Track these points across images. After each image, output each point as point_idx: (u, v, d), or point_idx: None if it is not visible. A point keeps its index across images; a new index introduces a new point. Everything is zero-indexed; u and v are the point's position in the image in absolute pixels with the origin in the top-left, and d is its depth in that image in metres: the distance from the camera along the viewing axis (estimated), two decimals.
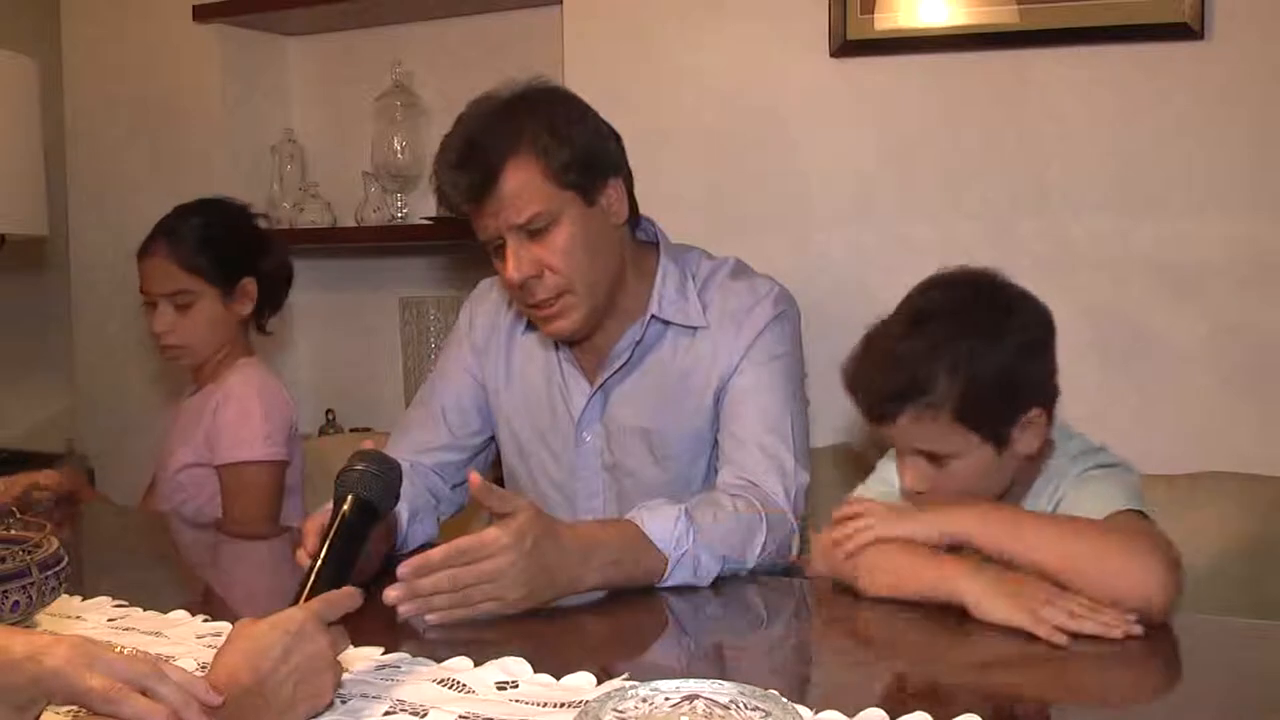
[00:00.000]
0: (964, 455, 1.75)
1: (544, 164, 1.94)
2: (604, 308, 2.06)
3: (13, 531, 1.54)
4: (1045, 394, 1.79)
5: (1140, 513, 1.68)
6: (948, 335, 1.74)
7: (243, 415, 2.64)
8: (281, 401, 2.69)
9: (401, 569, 1.59)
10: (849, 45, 2.64)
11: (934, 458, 1.77)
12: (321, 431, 3.55)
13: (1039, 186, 2.52)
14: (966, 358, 1.73)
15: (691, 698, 1.18)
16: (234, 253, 2.72)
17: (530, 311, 2.07)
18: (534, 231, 1.96)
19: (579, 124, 2.01)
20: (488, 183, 1.93)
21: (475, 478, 1.63)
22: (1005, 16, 2.50)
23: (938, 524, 1.67)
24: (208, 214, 2.74)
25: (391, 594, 1.58)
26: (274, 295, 2.80)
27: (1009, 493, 1.81)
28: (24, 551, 1.46)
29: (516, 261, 1.97)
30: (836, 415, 2.43)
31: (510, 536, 1.61)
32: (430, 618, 1.58)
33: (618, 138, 2.08)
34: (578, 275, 1.99)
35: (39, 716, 1.10)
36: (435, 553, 1.59)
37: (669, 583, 1.76)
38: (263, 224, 2.88)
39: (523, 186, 1.94)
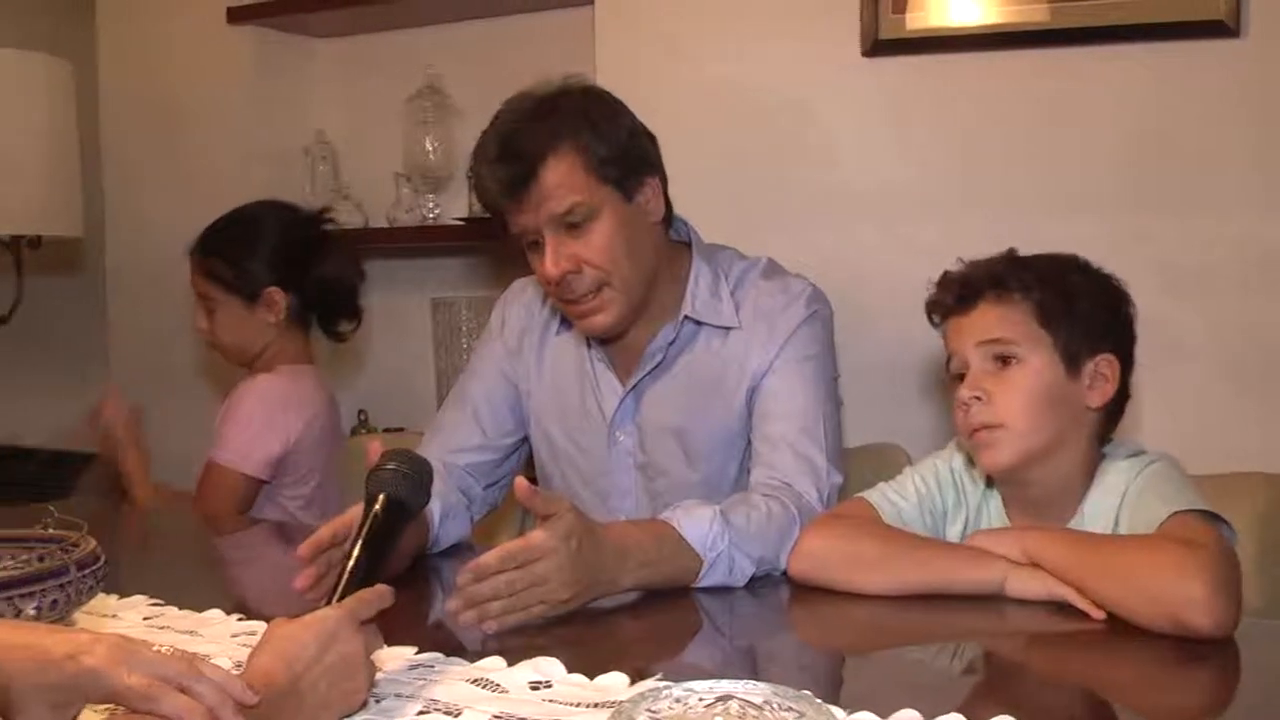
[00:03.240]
0: (1031, 362, 1.73)
1: (584, 158, 1.95)
2: (640, 305, 2.06)
3: (50, 530, 1.55)
4: (1124, 353, 1.79)
5: (1203, 512, 1.63)
6: (1038, 260, 1.81)
7: (240, 422, 2.70)
8: (287, 422, 2.71)
9: (460, 578, 1.57)
10: (881, 45, 2.63)
11: (999, 357, 1.75)
12: (354, 432, 3.55)
13: (1072, 186, 2.51)
14: (1055, 273, 1.77)
15: (725, 698, 1.18)
16: (256, 263, 2.75)
17: (567, 308, 2.07)
18: (573, 226, 1.96)
19: (617, 121, 2.03)
20: (528, 176, 1.94)
21: (521, 483, 1.62)
22: (1037, 15, 2.49)
23: (1020, 542, 1.67)
24: (246, 223, 2.78)
25: (452, 604, 1.57)
26: (331, 303, 2.83)
27: (1065, 497, 1.78)
28: (62, 550, 1.47)
29: (555, 256, 1.97)
30: (869, 414, 2.43)
31: (557, 538, 1.60)
32: (487, 626, 1.56)
33: (653, 138, 2.08)
34: (615, 270, 2.00)
35: (78, 714, 1.11)
36: (489, 557, 1.57)
37: (703, 583, 1.76)
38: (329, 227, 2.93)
39: (563, 179, 1.94)
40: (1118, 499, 1.74)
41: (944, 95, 2.60)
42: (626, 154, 2.01)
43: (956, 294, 1.82)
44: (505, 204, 1.98)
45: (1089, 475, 1.79)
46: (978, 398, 1.75)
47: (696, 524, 1.77)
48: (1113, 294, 1.81)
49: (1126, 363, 1.80)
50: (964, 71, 2.57)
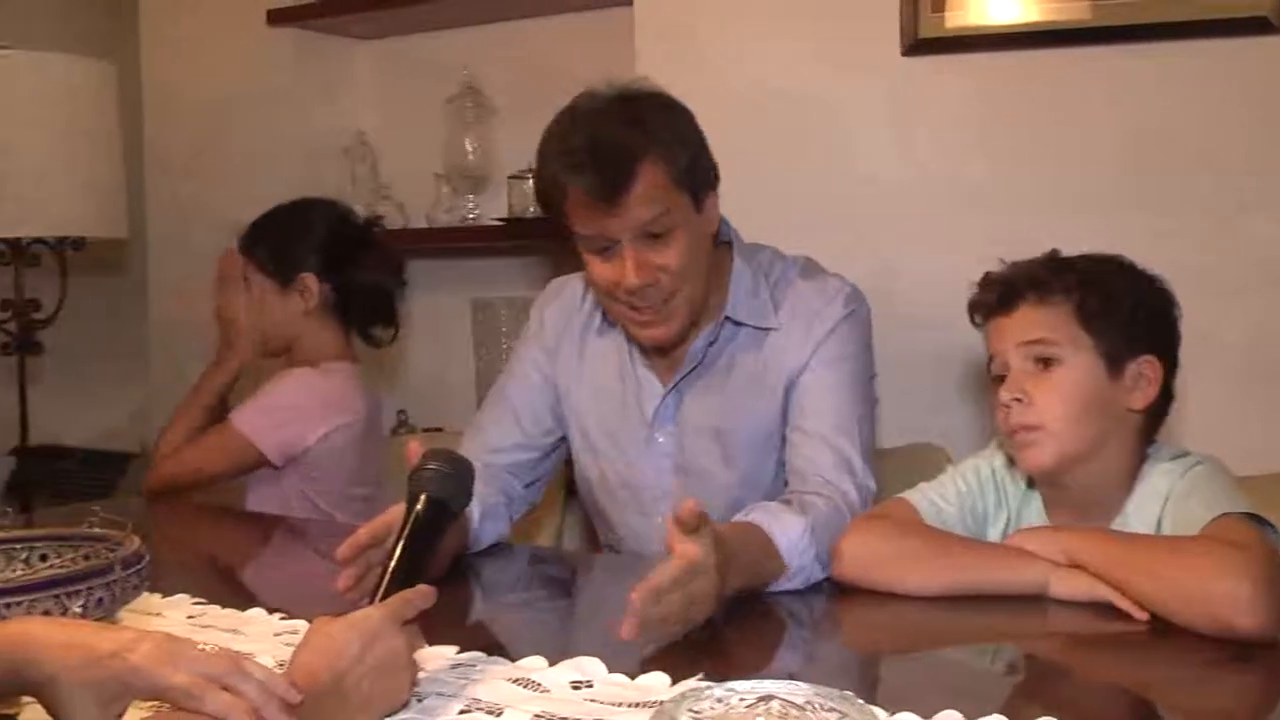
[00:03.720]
0: (1072, 363, 1.73)
1: (670, 167, 1.94)
2: (698, 315, 2.07)
3: (95, 529, 1.57)
4: (1167, 354, 1.78)
5: (1248, 514, 1.62)
6: (1081, 260, 1.80)
7: (273, 401, 2.70)
8: (321, 420, 2.71)
9: (634, 598, 1.47)
10: (920, 44, 2.62)
11: (1040, 358, 1.74)
12: (393, 431, 3.57)
13: (1113, 186, 2.49)
14: (1097, 274, 1.77)
15: (767, 698, 1.18)
16: (297, 248, 2.77)
17: (630, 315, 2.04)
18: (654, 236, 1.95)
19: (694, 132, 2.03)
20: (622, 181, 1.91)
21: (691, 504, 1.56)
22: (1078, 13, 2.47)
23: (1060, 542, 1.66)
24: (293, 210, 2.81)
25: (627, 631, 1.45)
26: (368, 305, 2.84)
27: (1107, 498, 1.77)
28: (107, 549, 1.49)
29: (637, 265, 1.96)
30: (907, 414, 2.42)
31: (712, 555, 1.56)
32: (646, 650, 1.49)
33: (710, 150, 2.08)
34: (687, 281, 2.00)
35: (124, 711, 1.12)
36: (662, 579, 1.50)
37: (776, 589, 1.76)
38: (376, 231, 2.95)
39: (653, 186, 1.93)
40: (1161, 501, 1.73)
41: (984, 94, 2.59)
42: (699, 164, 2.01)
43: (998, 295, 1.81)
44: (589, 208, 1.94)
45: (1132, 477, 1.78)
46: (1018, 399, 1.74)
47: (787, 532, 1.77)
48: (1156, 295, 1.80)
49: (1170, 364, 1.79)
50: (1004, 70, 2.56)
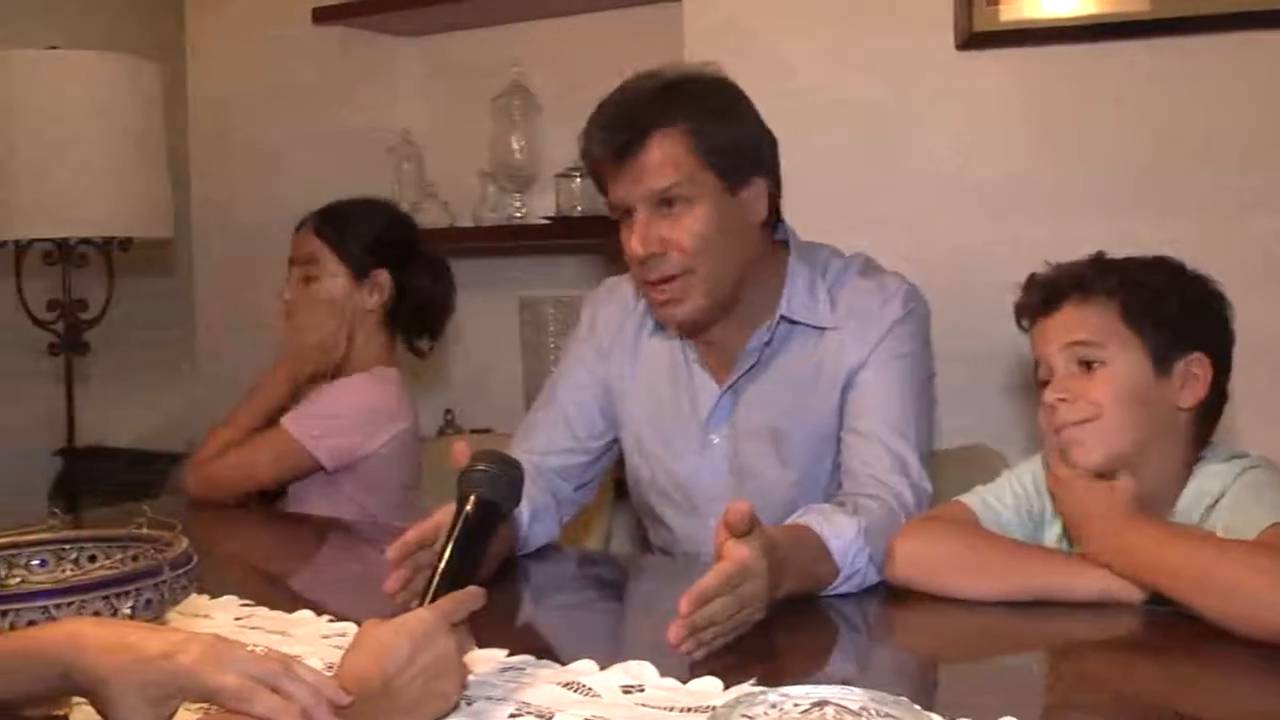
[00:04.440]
0: (1117, 362, 1.72)
1: (693, 140, 1.96)
2: (724, 302, 2.05)
3: (144, 530, 1.58)
4: (1218, 353, 1.77)
5: None
6: (1126, 261, 1.81)
7: (328, 407, 2.70)
8: (374, 430, 2.71)
9: (684, 604, 1.47)
10: (975, 38, 2.60)
11: (1084, 361, 1.74)
12: (440, 432, 3.59)
13: (1174, 183, 2.46)
14: (1141, 273, 1.77)
15: (821, 704, 1.18)
16: (376, 244, 2.77)
17: (648, 289, 2.06)
18: (668, 206, 1.97)
19: (738, 115, 2.04)
20: (634, 143, 1.95)
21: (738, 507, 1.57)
22: (1137, 4, 2.44)
23: (1114, 540, 1.66)
24: (370, 205, 2.83)
25: (674, 634, 1.46)
26: (421, 316, 2.85)
27: (1159, 499, 1.75)
28: (155, 550, 1.50)
29: (643, 236, 1.98)
30: (963, 415, 2.41)
31: (763, 558, 1.56)
32: (698, 654, 1.49)
33: (774, 144, 2.08)
34: (702, 260, 1.99)
35: (174, 712, 1.13)
36: (710, 582, 1.50)
37: (830, 593, 1.76)
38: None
39: (667, 156, 1.95)
40: (1209, 502, 1.72)
41: (1040, 89, 2.57)
42: (739, 147, 2.01)
43: (1041, 296, 1.82)
44: (607, 171, 2.00)
45: (1184, 478, 1.77)
46: (1063, 399, 1.75)
47: (842, 537, 1.76)
48: (1205, 294, 1.80)
49: (1221, 363, 1.78)
50: (1061, 64, 2.54)
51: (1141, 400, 1.73)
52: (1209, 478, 1.74)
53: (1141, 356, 1.73)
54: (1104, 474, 1.75)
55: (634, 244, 1.99)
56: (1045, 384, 1.79)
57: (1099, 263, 1.82)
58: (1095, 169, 2.53)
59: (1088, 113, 2.53)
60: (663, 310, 2.06)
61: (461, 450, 1.55)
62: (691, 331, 2.12)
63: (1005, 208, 2.60)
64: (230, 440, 2.69)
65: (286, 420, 2.68)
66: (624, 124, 1.97)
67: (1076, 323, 1.76)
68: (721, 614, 1.50)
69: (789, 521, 1.81)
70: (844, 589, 1.77)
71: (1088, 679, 1.47)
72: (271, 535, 2.58)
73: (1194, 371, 1.74)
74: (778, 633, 1.60)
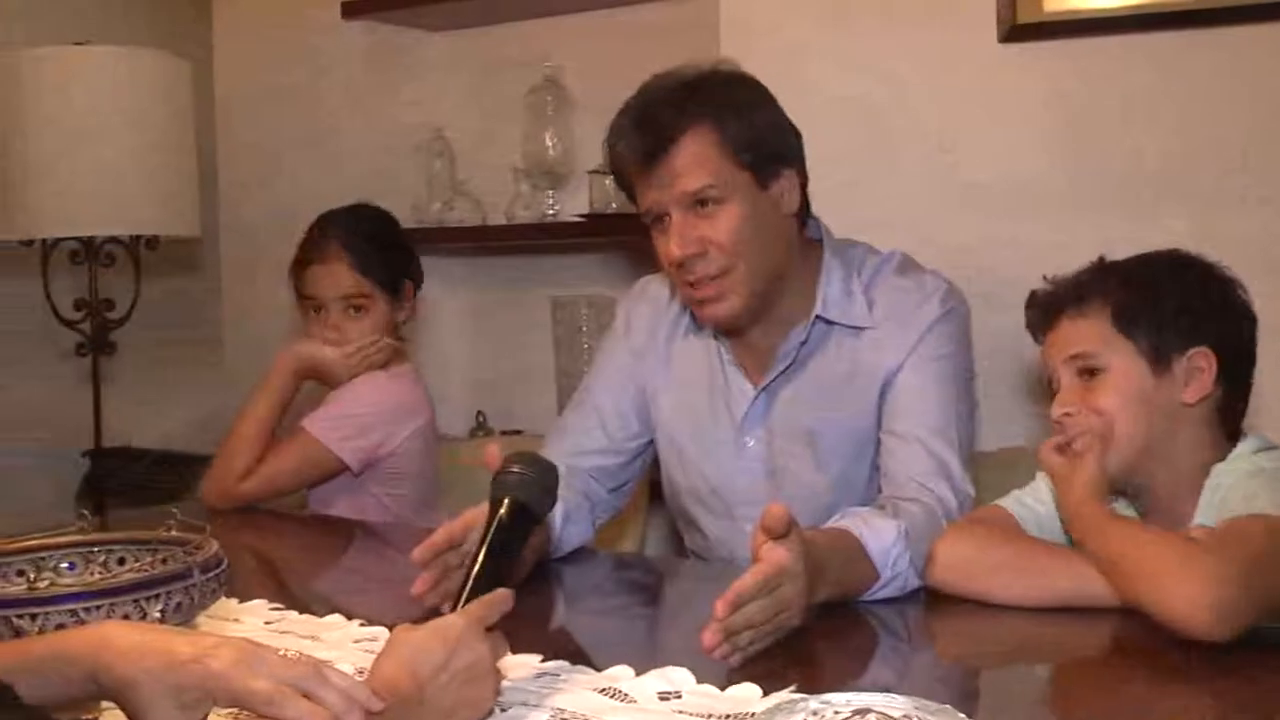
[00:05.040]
0: (1115, 369, 1.76)
1: (721, 138, 1.97)
2: (764, 299, 2.05)
3: (173, 533, 1.59)
4: (1226, 344, 1.77)
5: None
6: (1127, 263, 1.84)
7: (349, 407, 2.71)
8: (396, 428, 2.72)
9: (720, 608, 1.46)
10: (1018, 30, 2.59)
11: (1085, 370, 1.78)
12: (472, 434, 3.59)
13: (1229, 179, 2.44)
14: (1139, 274, 1.80)
15: (863, 711, 1.18)
16: (398, 257, 2.81)
17: (688, 292, 2.06)
18: (702, 206, 1.97)
19: (762, 108, 2.05)
20: (662, 147, 1.96)
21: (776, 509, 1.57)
22: None
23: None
24: (370, 218, 2.83)
25: (709, 638, 1.45)
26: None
27: (1184, 495, 1.74)
28: (185, 553, 1.51)
29: (681, 237, 1.98)
30: (1001, 416, 2.40)
31: (801, 561, 1.56)
32: (734, 659, 1.48)
33: (798, 134, 2.09)
34: (742, 257, 2.00)
35: (205, 716, 1.13)
36: (747, 583, 1.50)
37: (870, 598, 1.75)
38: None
39: (698, 156, 1.96)
40: (1219, 496, 1.72)
41: (1086, 82, 2.56)
42: (767, 141, 2.02)
43: (1040, 313, 1.87)
44: (636, 176, 2.01)
45: (1206, 474, 1.76)
46: (1068, 413, 1.78)
47: (881, 540, 1.76)
48: (1211, 285, 1.81)
49: (1232, 354, 1.78)
50: (1108, 56, 2.52)
51: (1144, 401, 1.75)
52: (1223, 474, 1.74)
53: (1134, 358, 1.76)
54: (1121, 479, 1.77)
55: (672, 248, 1.99)
56: (1054, 393, 1.83)
57: (1096, 270, 1.85)
58: (1142, 165, 2.51)
59: (1139, 107, 2.51)
60: (704, 310, 2.06)
61: (493, 453, 1.55)
62: (731, 330, 2.12)
63: (1047, 205, 2.59)
64: (247, 465, 2.65)
65: (308, 424, 2.68)
66: (650, 128, 1.97)
67: (1072, 335, 1.80)
68: (758, 617, 1.50)
69: (827, 525, 1.81)
70: (885, 593, 1.76)
71: (1135, 686, 1.46)
72: (300, 538, 2.59)
73: (1197, 365, 1.75)
74: (816, 638, 1.60)
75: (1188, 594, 1.48)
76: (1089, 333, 1.78)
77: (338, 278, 2.73)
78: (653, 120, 1.98)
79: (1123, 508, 1.81)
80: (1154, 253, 1.85)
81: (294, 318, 2.82)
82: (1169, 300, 1.77)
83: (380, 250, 2.77)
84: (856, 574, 1.74)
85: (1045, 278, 1.88)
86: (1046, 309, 1.86)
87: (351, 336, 2.73)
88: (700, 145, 1.96)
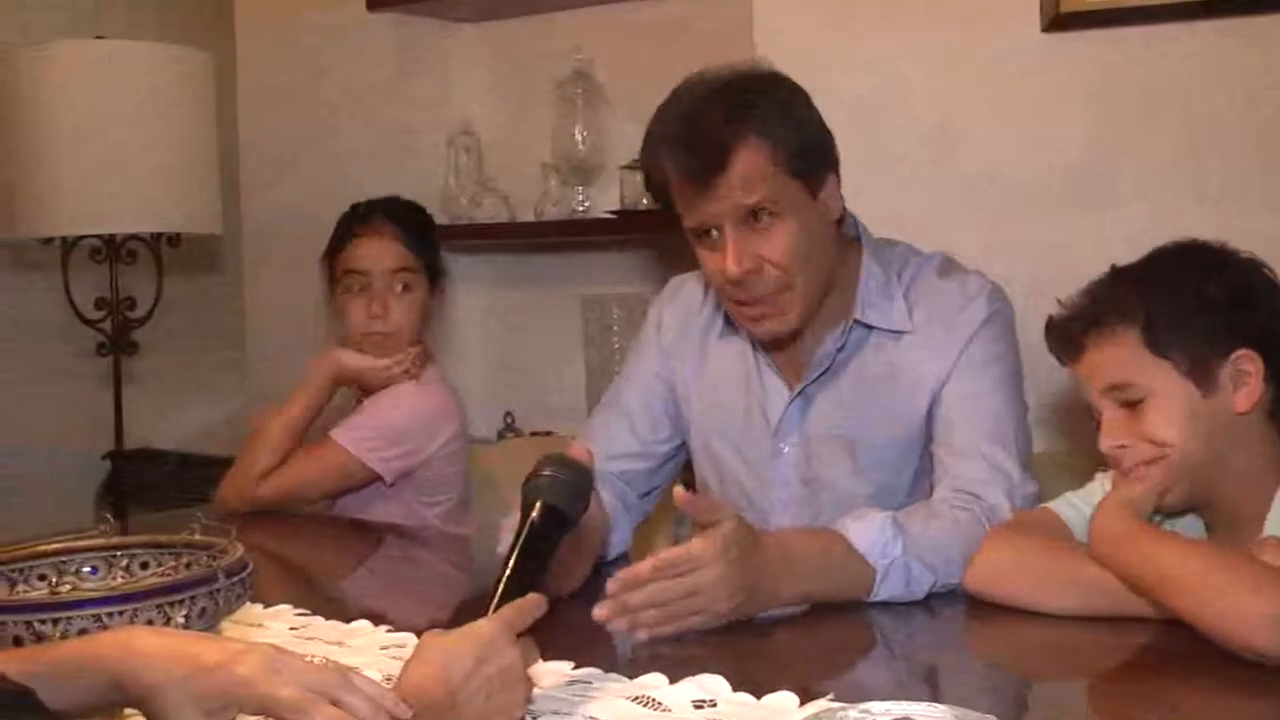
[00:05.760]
0: (1160, 393, 1.69)
1: (775, 149, 1.94)
2: (816, 309, 2.05)
3: (197, 536, 1.60)
4: (1266, 339, 1.71)
5: None
6: (1146, 268, 1.76)
7: (378, 416, 2.72)
8: (429, 438, 2.73)
9: (610, 585, 1.60)
10: (1063, 19, 2.56)
11: (1126, 402, 1.71)
12: (500, 435, 3.60)
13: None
14: (1161, 286, 1.72)
15: None
16: (435, 244, 2.84)
17: (738, 309, 2.05)
18: (758, 221, 1.95)
19: (807, 112, 2.02)
20: (717, 162, 1.91)
21: (680, 491, 1.68)
22: None
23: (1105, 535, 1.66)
24: (408, 203, 2.87)
25: (600, 611, 1.60)
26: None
27: (1254, 508, 1.71)
28: (209, 557, 1.52)
29: (737, 253, 1.95)
30: (1044, 418, 2.38)
31: (717, 548, 1.62)
32: (639, 634, 1.60)
33: (831, 135, 2.06)
34: (798, 272, 1.98)
35: None
36: (643, 566, 1.61)
37: (878, 596, 1.75)
38: None
39: (753, 169, 1.92)
40: None
41: (1135, 72, 2.53)
42: (815, 147, 2.00)
43: (1061, 342, 1.80)
44: (687, 191, 1.96)
45: (1275, 476, 1.73)
46: (1121, 446, 1.72)
47: (866, 530, 1.76)
48: (1233, 282, 1.74)
49: (1276, 347, 1.72)
50: (1158, 45, 2.49)
51: (1196, 420, 1.69)
52: None
53: (1178, 379, 1.69)
54: (1187, 503, 1.74)
55: (728, 264, 1.95)
56: (1098, 422, 1.76)
57: (1111, 285, 1.78)
58: (1194, 159, 2.48)
59: (1192, 98, 2.48)
60: (758, 327, 2.05)
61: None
62: (782, 344, 2.11)
63: (1091, 200, 2.57)
64: (268, 467, 2.67)
65: (338, 434, 2.69)
66: (702, 142, 1.92)
67: (1104, 365, 1.74)
68: (660, 597, 1.60)
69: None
70: (891, 588, 1.76)
71: (1186, 697, 1.46)
72: (325, 542, 2.60)
73: (1242, 369, 1.70)
74: (854, 645, 1.60)
75: (1255, 610, 1.44)
76: (1121, 360, 1.72)
77: (388, 249, 2.74)
78: (703, 134, 1.92)
79: (1188, 524, 1.80)
80: (1165, 250, 1.79)
81: (318, 319, 2.82)
82: (1197, 306, 1.71)
83: (425, 231, 2.81)
84: (845, 569, 1.75)
85: (1059, 301, 1.82)
86: (1067, 337, 1.79)
87: (396, 315, 2.73)
88: (755, 157, 1.92)
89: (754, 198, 1.93)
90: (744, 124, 1.93)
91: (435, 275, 2.81)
